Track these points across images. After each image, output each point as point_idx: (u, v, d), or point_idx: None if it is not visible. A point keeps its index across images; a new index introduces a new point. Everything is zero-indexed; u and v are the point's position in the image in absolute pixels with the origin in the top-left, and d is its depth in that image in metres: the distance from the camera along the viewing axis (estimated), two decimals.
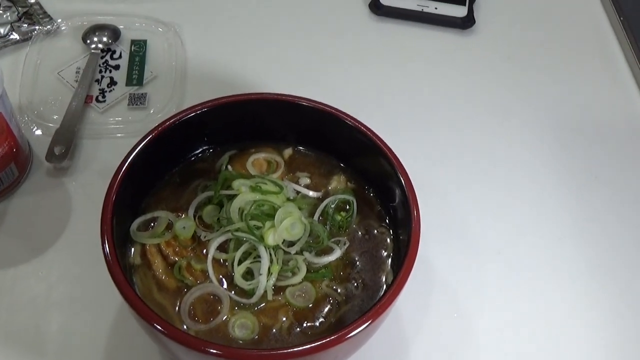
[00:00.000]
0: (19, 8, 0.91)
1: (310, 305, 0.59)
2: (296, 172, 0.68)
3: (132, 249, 0.62)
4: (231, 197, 0.62)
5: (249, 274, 0.60)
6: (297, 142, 0.70)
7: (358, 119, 0.64)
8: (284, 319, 0.58)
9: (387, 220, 0.65)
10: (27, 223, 0.73)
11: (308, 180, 0.67)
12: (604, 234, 0.78)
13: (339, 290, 0.61)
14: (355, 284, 0.61)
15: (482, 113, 0.88)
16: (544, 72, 0.94)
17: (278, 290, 0.59)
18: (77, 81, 0.85)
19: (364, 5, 0.99)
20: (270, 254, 0.59)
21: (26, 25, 0.90)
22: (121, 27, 0.92)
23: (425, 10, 0.97)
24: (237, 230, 0.60)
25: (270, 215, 0.60)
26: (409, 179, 0.61)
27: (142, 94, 0.85)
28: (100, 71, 0.87)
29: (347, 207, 0.65)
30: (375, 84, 0.90)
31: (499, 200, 0.80)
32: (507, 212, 0.79)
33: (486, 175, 0.82)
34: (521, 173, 0.83)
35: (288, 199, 0.63)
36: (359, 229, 0.64)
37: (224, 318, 0.58)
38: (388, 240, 0.64)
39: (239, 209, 0.61)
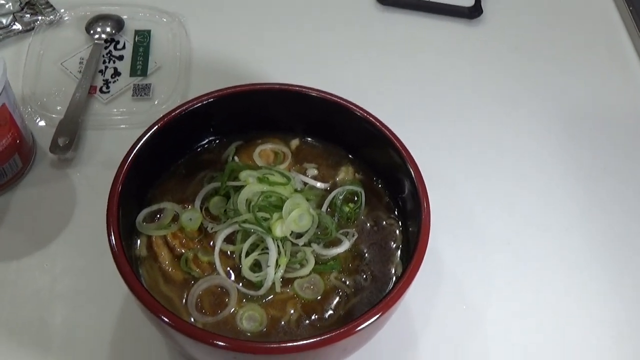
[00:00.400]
0: None
1: (319, 298, 0.59)
2: (303, 163, 0.67)
3: (138, 241, 0.61)
4: (238, 189, 0.61)
5: (256, 266, 0.59)
6: (305, 132, 0.69)
7: (366, 109, 0.64)
8: (292, 311, 0.58)
9: (395, 212, 0.64)
10: (31, 215, 0.73)
11: (315, 172, 0.66)
12: (612, 224, 0.78)
13: (347, 283, 0.60)
14: (364, 276, 0.61)
15: (489, 103, 0.88)
16: (552, 62, 0.93)
17: (286, 282, 0.59)
18: (80, 72, 0.84)
19: None
20: (278, 246, 0.59)
21: (29, 15, 0.89)
22: (125, 17, 0.91)
23: (432, 0, 0.96)
24: (244, 221, 0.59)
25: (278, 207, 0.60)
26: (418, 170, 0.60)
27: (146, 84, 0.84)
28: (104, 62, 0.86)
29: (356, 198, 0.65)
30: (382, 75, 0.89)
31: (507, 190, 0.79)
32: (515, 203, 0.78)
33: (494, 166, 0.81)
34: (529, 163, 0.82)
35: (296, 190, 0.63)
36: (368, 221, 0.64)
37: (232, 310, 0.57)
38: (397, 231, 0.63)
39: (247, 200, 0.60)
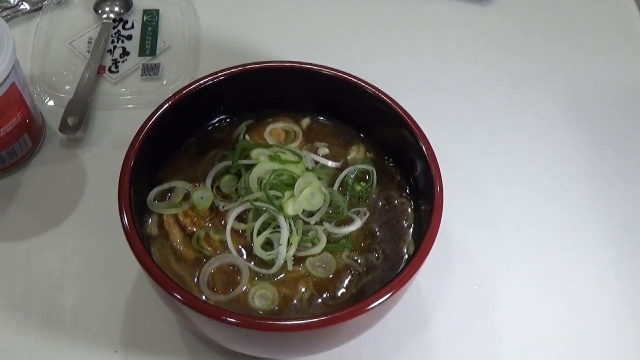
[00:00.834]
0: None
1: (331, 276, 0.59)
2: (314, 142, 0.67)
3: (149, 220, 0.61)
4: (250, 167, 0.61)
5: (268, 245, 0.59)
6: (316, 111, 0.68)
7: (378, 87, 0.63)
8: (304, 289, 0.58)
9: (407, 191, 0.64)
10: (41, 194, 0.73)
11: (327, 150, 0.66)
12: (624, 202, 0.77)
13: (359, 261, 0.60)
14: (376, 255, 0.60)
15: (502, 83, 0.87)
16: (564, 42, 0.92)
17: (298, 260, 0.59)
18: (89, 51, 0.83)
19: None
20: (290, 224, 0.58)
21: None
22: None
23: None
24: (256, 200, 0.59)
25: (290, 185, 0.59)
26: (431, 148, 0.60)
27: (155, 64, 0.83)
28: (113, 41, 0.86)
29: (367, 177, 0.64)
30: (393, 55, 0.89)
31: (518, 169, 0.79)
32: (527, 182, 0.78)
33: (505, 145, 0.81)
34: (541, 142, 0.81)
35: (307, 169, 0.62)
36: (379, 200, 0.63)
37: (244, 289, 0.57)
38: (409, 210, 0.63)
39: (258, 178, 0.60)
